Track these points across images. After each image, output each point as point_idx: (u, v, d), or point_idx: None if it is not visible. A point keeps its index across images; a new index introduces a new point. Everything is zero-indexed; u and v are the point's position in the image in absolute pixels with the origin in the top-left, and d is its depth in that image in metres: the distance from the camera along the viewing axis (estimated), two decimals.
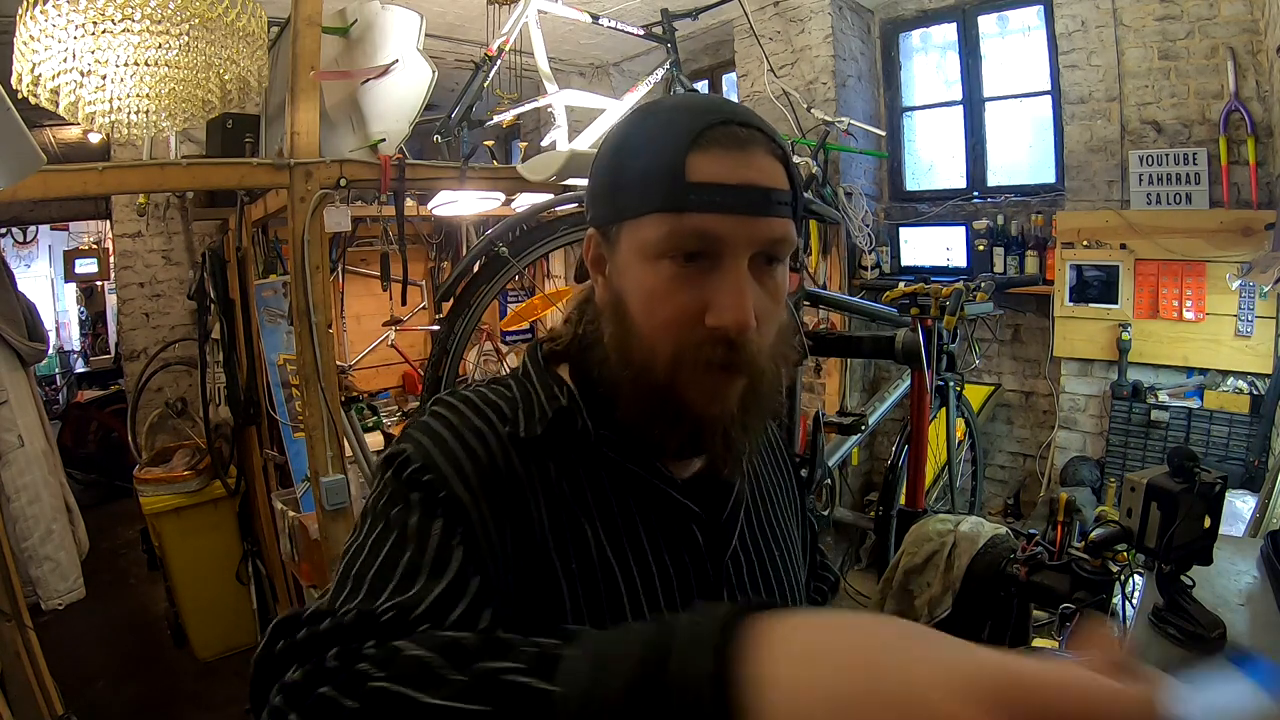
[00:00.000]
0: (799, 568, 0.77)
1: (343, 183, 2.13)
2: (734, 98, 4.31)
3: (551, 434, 0.60)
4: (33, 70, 1.66)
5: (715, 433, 0.60)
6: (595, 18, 2.98)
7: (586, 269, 0.65)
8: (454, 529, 0.54)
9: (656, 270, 0.56)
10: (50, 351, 5.37)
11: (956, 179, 3.74)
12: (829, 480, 2.50)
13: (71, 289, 7.56)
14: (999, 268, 3.32)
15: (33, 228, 6.77)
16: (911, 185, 3.94)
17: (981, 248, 3.38)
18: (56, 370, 7.03)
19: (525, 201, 2.66)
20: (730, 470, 0.64)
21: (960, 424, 2.70)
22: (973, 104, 3.63)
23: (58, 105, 1.72)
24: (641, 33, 3.19)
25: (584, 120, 2.99)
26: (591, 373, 0.63)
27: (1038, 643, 1.55)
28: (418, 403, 3.41)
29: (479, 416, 0.61)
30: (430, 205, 2.66)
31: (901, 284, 2.44)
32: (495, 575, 0.55)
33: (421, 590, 0.50)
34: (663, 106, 0.60)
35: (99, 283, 6.96)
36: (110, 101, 1.76)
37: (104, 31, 1.64)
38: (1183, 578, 1.00)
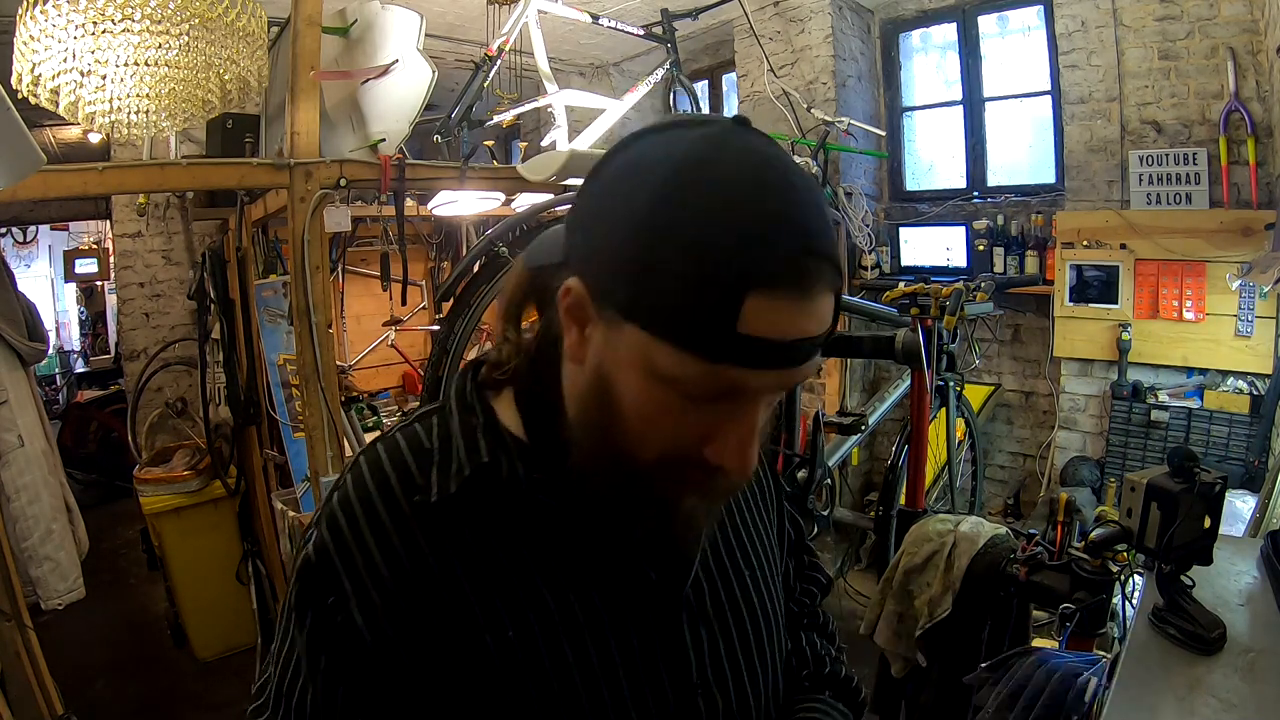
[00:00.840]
0: (773, 579, 0.72)
1: (343, 183, 2.13)
2: (734, 98, 4.32)
3: (470, 489, 0.55)
4: (33, 70, 1.66)
5: (683, 522, 0.56)
6: (595, 18, 2.98)
7: (540, 299, 0.58)
8: (340, 670, 0.55)
9: (663, 395, 0.48)
10: (50, 351, 5.37)
11: (956, 179, 3.74)
12: (829, 480, 2.50)
13: (71, 289, 7.57)
14: (999, 268, 3.32)
15: (33, 228, 6.78)
16: (911, 185, 3.94)
17: (981, 248, 3.38)
18: (56, 370, 7.03)
19: (525, 201, 2.66)
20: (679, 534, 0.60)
21: (960, 424, 2.70)
22: (973, 104, 3.63)
23: (58, 105, 1.72)
24: (641, 33, 3.19)
25: (584, 120, 2.99)
26: (542, 411, 0.57)
27: (1038, 643, 1.55)
28: (418, 403, 3.41)
29: (385, 493, 0.56)
30: (430, 205, 2.66)
31: (901, 284, 2.44)
32: (399, 685, 0.54)
33: None
34: (725, 181, 0.45)
35: (99, 283, 6.96)
36: (110, 101, 1.76)
37: (104, 31, 1.64)
38: (1183, 578, 1.00)
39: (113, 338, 7.05)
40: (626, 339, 0.47)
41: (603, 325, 0.49)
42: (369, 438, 2.82)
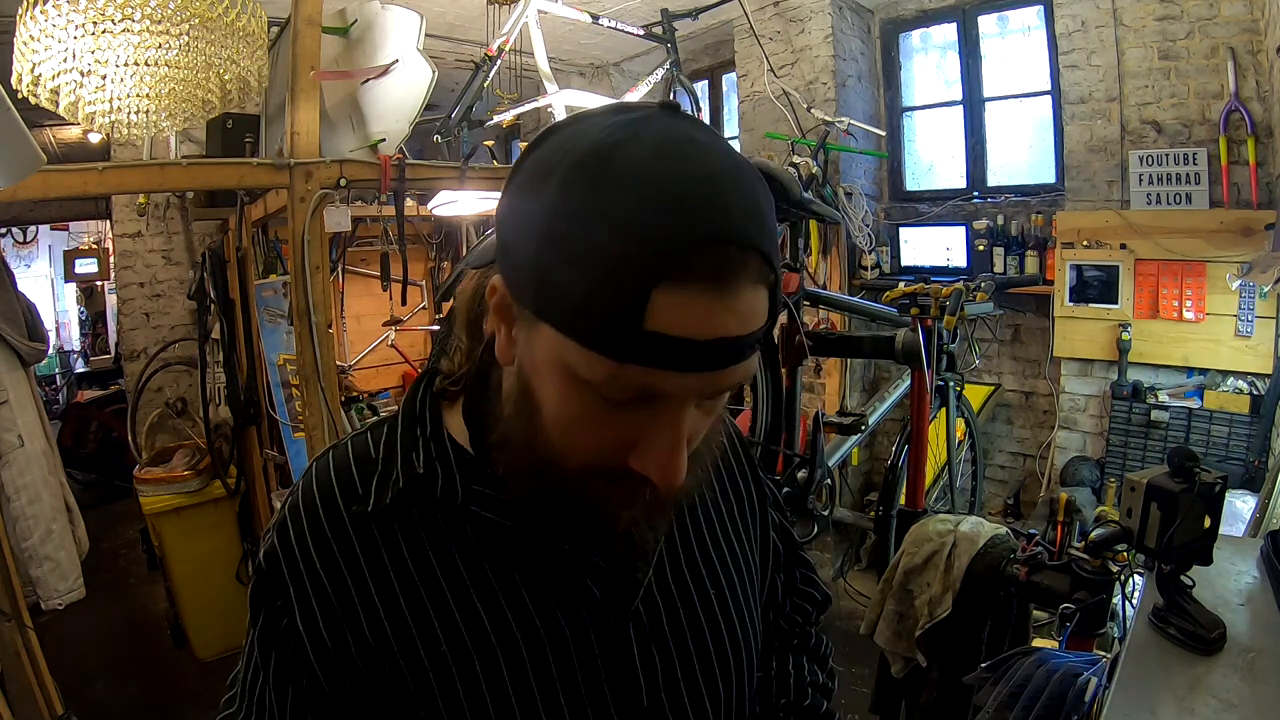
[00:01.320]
0: (748, 597, 0.68)
1: (343, 183, 2.13)
2: (734, 98, 4.31)
3: (404, 501, 0.55)
4: (33, 70, 1.66)
5: (617, 534, 0.53)
6: (595, 18, 2.98)
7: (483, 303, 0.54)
8: (287, 671, 0.56)
9: (579, 397, 0.45)
10: (50, 351, 5.37)
11: (956, 179, 3.74)
12: (829, 480, 2.50)
13: (71, 289, 7.57)
14: (999, 268, 3.32)
15: (33, 228, 6.77)
16: (911, 185, 3.94)
17: (981, 248, 3.38)
18: (56, 370, 7.03)
19: None
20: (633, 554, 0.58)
21: (960, 424, 2.70)
22: (973, 104, 3.63)
23: (58, 105, 1.72)
24: (641, 33, 3.19)
25: None
26: (485, 421, 0.56)
27: (1038, 643, 1.55)
28: None
29: (328, 502, 0.56)
30: (430, 205, 2.66)
31: (901, 284, 2.44)
32: (339, 692, 0.55)
33: None
34: (632, 169, 0.41)
35: (99, 283, 6.96)
36: (110, 101, 1.76)
37: (104, 31, 1.64)
38: (1183, 578, 1.00)
39: (113, 338, 7.05)
40: (542, 339, 0.45)
41: (523, 325, 0.47)
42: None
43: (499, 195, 0.51)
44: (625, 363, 0.42)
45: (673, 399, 0.45)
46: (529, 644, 0.55)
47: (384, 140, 2.23)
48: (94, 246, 6.71)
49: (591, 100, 2.96)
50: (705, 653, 0.61)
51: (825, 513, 2.49)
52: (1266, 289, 2.49)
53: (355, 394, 3.10)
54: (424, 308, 4.51)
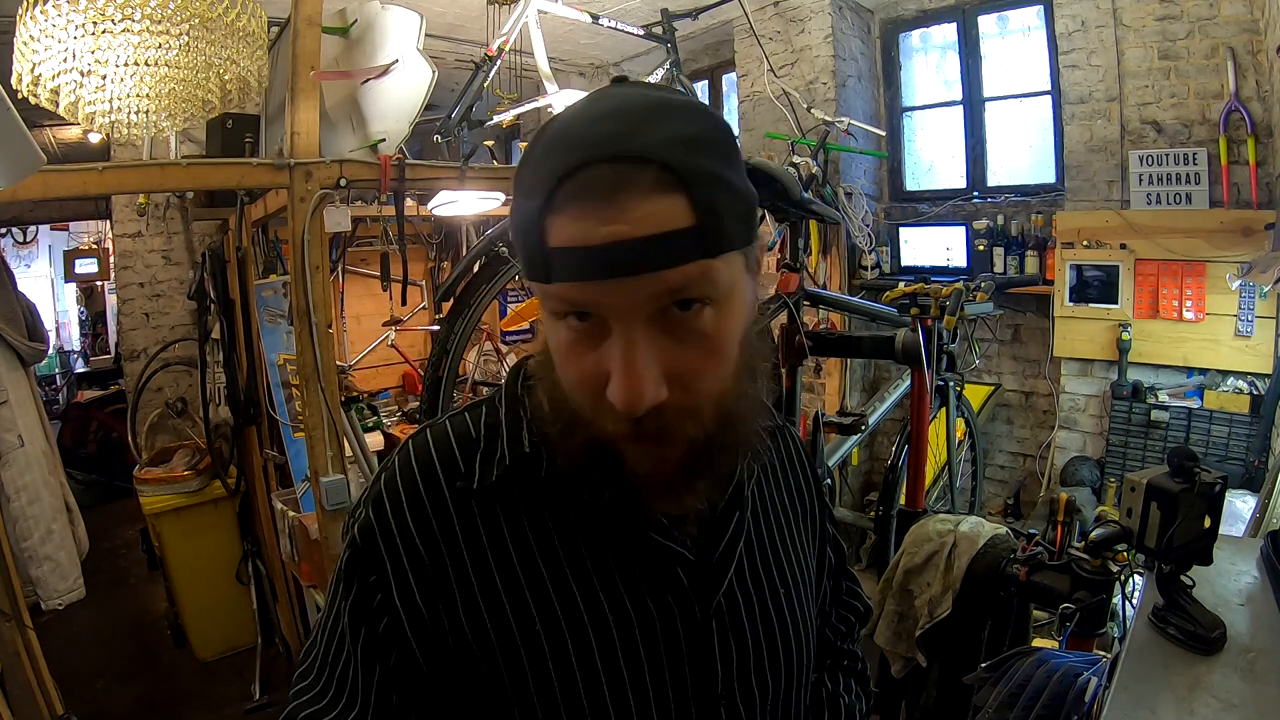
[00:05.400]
0: (808, 603, 0.71)
1: (343, 183, 2.13)
2: (734, 97, 4.31)
3: (509, 480, 0.57)
4: (33, 70, 1.66)
5: (656, 494, 0.54)
6: (595, 18, 2.98)
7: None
8: (377, 646, 0.56)
9: (560, 329, 0.51)
10: (50, 351, 5.38)
11: (956, 179, 3.74)
12: (829, 480, 2.50)
13: (71, 289, 7.57)
14: (999, 268, 3.32)
15: (33, 228, 6.78)
16: (911, 185, 3.94)
17: (981, 248, 3.38)
18: (56, 370, 7.03)
19: None
20: (723, 503, 0.60)
21: (960, 424, 2.70)
22: (973, 104, 3.63)
23: (58, 105, 1.72)
24: (641, 33, 3.19)
25: None
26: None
27: (1038, 643, 1.55)
28: (417, 403, 3.41)
29: (429, 478, 0.58)
30: (430, 205, 2.65)
31: (901, 284, 2.43)
32: (432, 671, 0.56)
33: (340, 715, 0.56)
34: (552, 127, 0.50)
35: (99, 283, 6.96)
36: (110, 101, 1.76)
37: (104, 31, 1.64)
38: (1183, 578, 1.00)
39: (113, 338, 7.05)
40: (538, 294, 0.52)
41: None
42: (369, 438, 2.82)
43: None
44: (549, 282, 0.48)
45: (611, 318, 0.48)
46: (619, 626, 0.57)
47: (384, 140, 2.23)
48: (94, 246, 6.71)
49: None
50: (774, 648, 0.64)
51: None
52: (1266, 289, 2.49)
53: (355, 394, 3.09)
54: (424, 308, 4.52)
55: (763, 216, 2.37)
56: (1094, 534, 1.29)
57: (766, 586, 0.65)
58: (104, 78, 1.72)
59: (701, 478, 0.55)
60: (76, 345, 7.74)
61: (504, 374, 0.68)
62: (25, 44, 1.63)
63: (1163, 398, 2.81)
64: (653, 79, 3.11)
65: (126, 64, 1.72)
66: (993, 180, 3.62)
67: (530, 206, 0.48)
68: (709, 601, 0.60)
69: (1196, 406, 2.73)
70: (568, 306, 0.49)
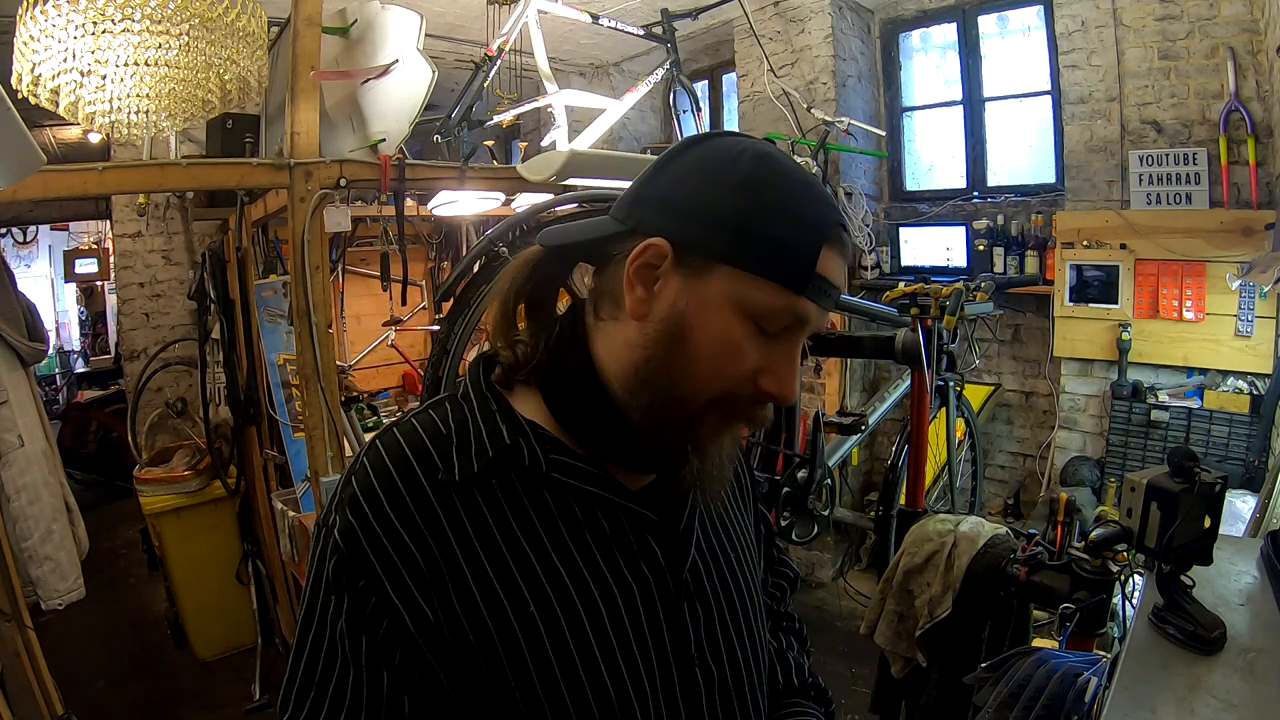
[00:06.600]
0: (754, 567, 0.78)
1: (343, 183, 2.13)
2: (734, 98, 4.32)
3: (489, 471, 0.59)
4: (33, 70, 1.66)
5: (707, 462, 0.63)
6: (595, 18, 2.98)
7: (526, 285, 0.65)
8: (381, 652, 0.56)
9: (742, 327, 0.58)
10: (50, 351, 5.38)
11: (956, 179, 3.74)
12: (829, 480, 2.50)
13: (71, 289, 7.58)
14: (999, 268, 3.32)
15: (33, 228, 6.78)
16: (911, 185, 3.94)
17: (981, 248, 3.38)
18: (56, 370, 7.03)
19: (525, 201, 2.66)
20: (687, 483, 0.65)
21: (960, 424, 2.70)
22: (973, 104, 3.63)
23: (58, 105, 1.72)
24: (641, 33, 3.19)
25: (584, 120, 2.99)
26: (568, 392, 0.63)
27: (1038, 643, 1.55)
28: (418, 402, 3.41)
29: (407, 475, 0.59)
30: (430, 205, 2.66)
31: (901, 284, 2.43)
32: (436, 664, 0.57)
33: None
34: (793, 175, 0.60)
35: (99, 283, 6.96)
36: (110, 101, 1.76)
37: (104, 31, 1.64)
38: (1183, 578, 1.00)
39: (113, 338, 7.05)
40: (716, 282, 0.57)
41: (682, 276, 0.58)
42: (369, 438, 2.81)
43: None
44: (800, 294, 0.57)
45: (802, 331, 0.60)
46: (605, 600, 0.60)
47: (384, 140, 2.23)
48: (94, 246, 6.72)
49: (591, 100, 2.96)
50: (734, 609, 0.70)
51: (825, 513, 2.49)
52: (1266, 289, 2.49)
53: (355, 394, 3.10)
54: (424, 308, 4.51)
55: None
56: (1094, 534, 1.30)
57: (720, 554, 0.71)
58: (104, 78, 1.72)
59: (730, 454, 0.67)
60: (76, 345, 7.74)
61: None
62: (25, 44, 1.63)
63: (1163, 398, 2.81)
64: (652, 79, 3.11)
65: (126, 64, 1.72)
66: (993, 180, 3.62)
67: (807, 232, 0.57)
68: (679, 569, 0.65)
69: (1196, 406, 2.73)
70: (787, 320, 0.58)
